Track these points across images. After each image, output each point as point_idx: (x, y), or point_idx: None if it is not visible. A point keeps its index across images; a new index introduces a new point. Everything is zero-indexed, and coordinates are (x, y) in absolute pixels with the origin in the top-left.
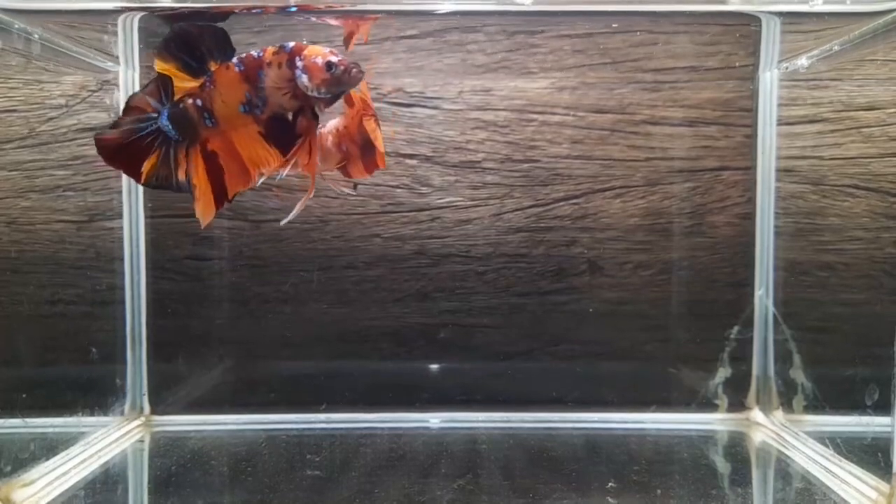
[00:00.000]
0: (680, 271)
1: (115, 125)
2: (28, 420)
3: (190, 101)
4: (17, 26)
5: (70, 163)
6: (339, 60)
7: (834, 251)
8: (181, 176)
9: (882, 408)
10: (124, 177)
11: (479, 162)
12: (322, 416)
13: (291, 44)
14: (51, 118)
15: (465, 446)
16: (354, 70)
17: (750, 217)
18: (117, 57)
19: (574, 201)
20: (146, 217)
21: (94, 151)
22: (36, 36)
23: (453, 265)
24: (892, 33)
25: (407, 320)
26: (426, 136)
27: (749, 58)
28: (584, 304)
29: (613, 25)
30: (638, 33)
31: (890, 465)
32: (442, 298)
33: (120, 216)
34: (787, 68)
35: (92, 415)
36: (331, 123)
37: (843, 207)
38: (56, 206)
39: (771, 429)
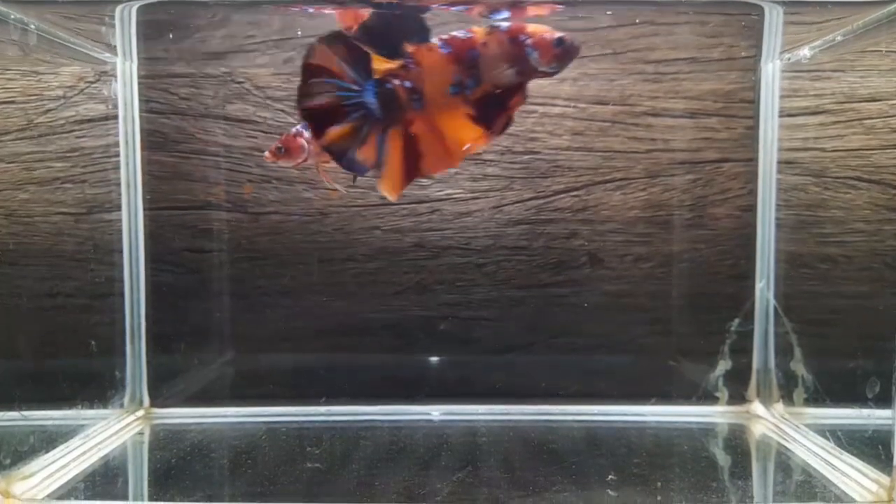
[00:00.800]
0: (681, 264)
1: (310, 83)
2: (27, 414)
3: (397, 81)
4: (13, 17)
5: (68, 154)
6: (565, 36)
7: (835, 243)
8: (359, 155)
9: (883, 400)
10: (123, 169)
11: (479, 154)
12: (322, 409)
13: (505, 22)
14: (49, 110)
15: (465, 439)
16: (577, 43)
17: (751, 209)
18: (115, 48)
19: (574, 193)
20: (145, 209)
21: (92, 143)
22: (33, 27)
23: (453, 258)
24: (895, 24)
25: (407, 313)
26: None
27: (751, 49)
28: (584, 297)
29: (608, 13)
30: (637, 21)
31: (890, 458)
32: (442, 291)
33: (119, 208)
34: (789, 59)
35: (91, 407)
36: None
37: (845, 199)
38: (54, 198)
39: (771, 421)
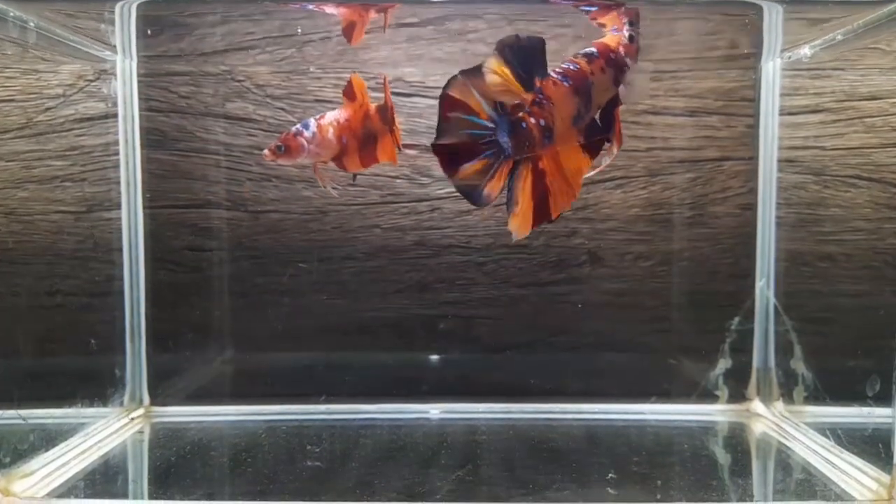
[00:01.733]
0: (681, 262)
1: (448, 119)
2: (26, 413)
3: (532, 120)
4: (12, 14)
5: (68, 153)
6: (628, 30)
7: (835, 242)
8: (486, 189)
9: (883, 399)
10: (122, 167)
11: None
12: (322, 408)
13: (592, 48)
14: (48, 108)
15: (465, 437)
16: (637, 28)
17: (751, 208)
18: (115, 46)
19: None
20: (145, 208)
21: (92, 141)
22: (32, 24)
23: (453, 256)
24: (895, 23)
25: (407, 311)
26: (427, 126)
27: (751, 47)
28: (584, 296)
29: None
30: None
31: (890, 456)
32: (442, 289)
33: (118, 207)
34: (789, 58)
35: (91, 406)
36: (330, 114)
37: (845, 198)
38: (54, 196)
39: (771, 420)
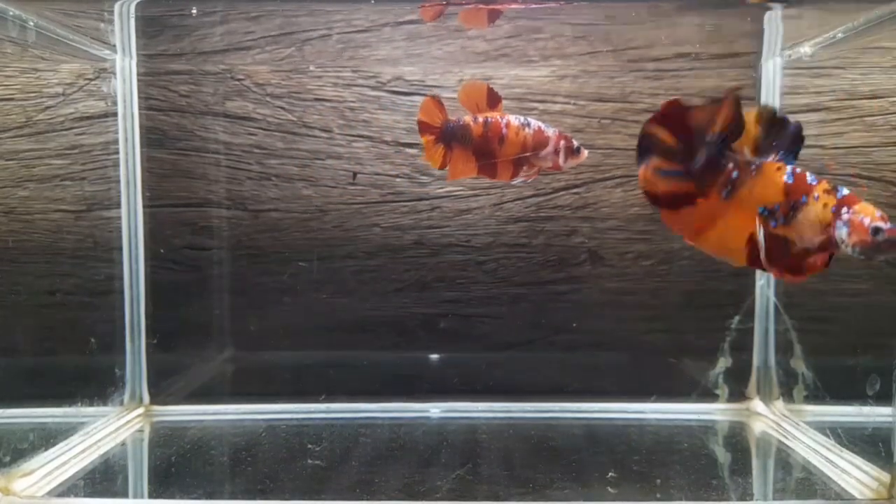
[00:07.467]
0: (681, 261)
1: None
2: (26, 412)
3: None
4: (11, 13)
5: (68, 152)
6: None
7: None
8: None
9: (883, 398)
10: (122, 166)
11: None
12: (322, 406)
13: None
14: (48, 107)
15: (465, 436)
16: None
17: None
18: (114, 45)
19: (575, 191)
20: (144, 207)
21: (91, 140)
22: (31, 24)
23: (453, 255)
24: None
25: (407, 310)
26: None
27: (752, 46)
28: (584, 294)
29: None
30: (635, 15)
31: (890, 455)
32: (442, 288)
33: (118, 206)
34: (790, 56)
35: (91, 405)
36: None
37: None
38: (54, 195)
39: (771, 419)
